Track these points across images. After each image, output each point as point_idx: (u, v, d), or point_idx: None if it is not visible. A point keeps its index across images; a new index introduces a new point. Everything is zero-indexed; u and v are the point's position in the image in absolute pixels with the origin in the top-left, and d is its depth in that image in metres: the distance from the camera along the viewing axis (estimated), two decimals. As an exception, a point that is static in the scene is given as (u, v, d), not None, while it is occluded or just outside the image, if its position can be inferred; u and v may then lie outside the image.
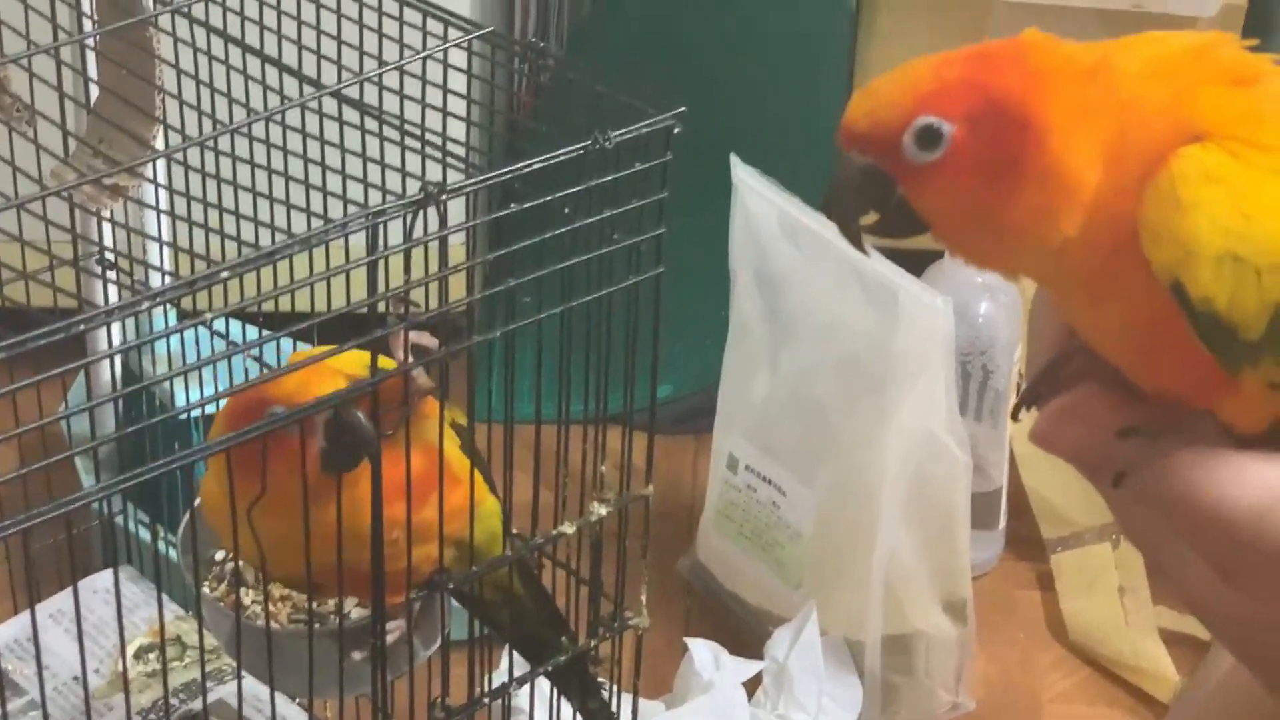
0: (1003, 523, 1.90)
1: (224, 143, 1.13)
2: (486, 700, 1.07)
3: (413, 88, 1.08)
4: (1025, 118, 0.58)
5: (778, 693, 1.62)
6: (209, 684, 1.35)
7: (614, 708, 1.15)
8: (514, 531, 1.08)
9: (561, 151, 0.95)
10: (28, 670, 1.42)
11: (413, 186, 0.90)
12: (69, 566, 0.97)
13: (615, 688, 1.15)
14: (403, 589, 0.99)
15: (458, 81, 1.09)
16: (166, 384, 1.41)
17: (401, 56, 1.08)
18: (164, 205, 1.24)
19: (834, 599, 1.66)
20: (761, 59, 2.04)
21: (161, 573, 1.13)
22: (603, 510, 1.07)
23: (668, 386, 1.98)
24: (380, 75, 1.06)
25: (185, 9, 1.14)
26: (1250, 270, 0.56)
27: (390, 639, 1.02)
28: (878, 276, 1.59)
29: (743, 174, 1.71)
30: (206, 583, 1.16)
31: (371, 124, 1.08)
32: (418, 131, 1.05)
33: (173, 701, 1.36)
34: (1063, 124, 0.58)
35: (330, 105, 1.09)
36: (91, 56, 1.24)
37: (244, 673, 1.05)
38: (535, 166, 0.93)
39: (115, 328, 1.35)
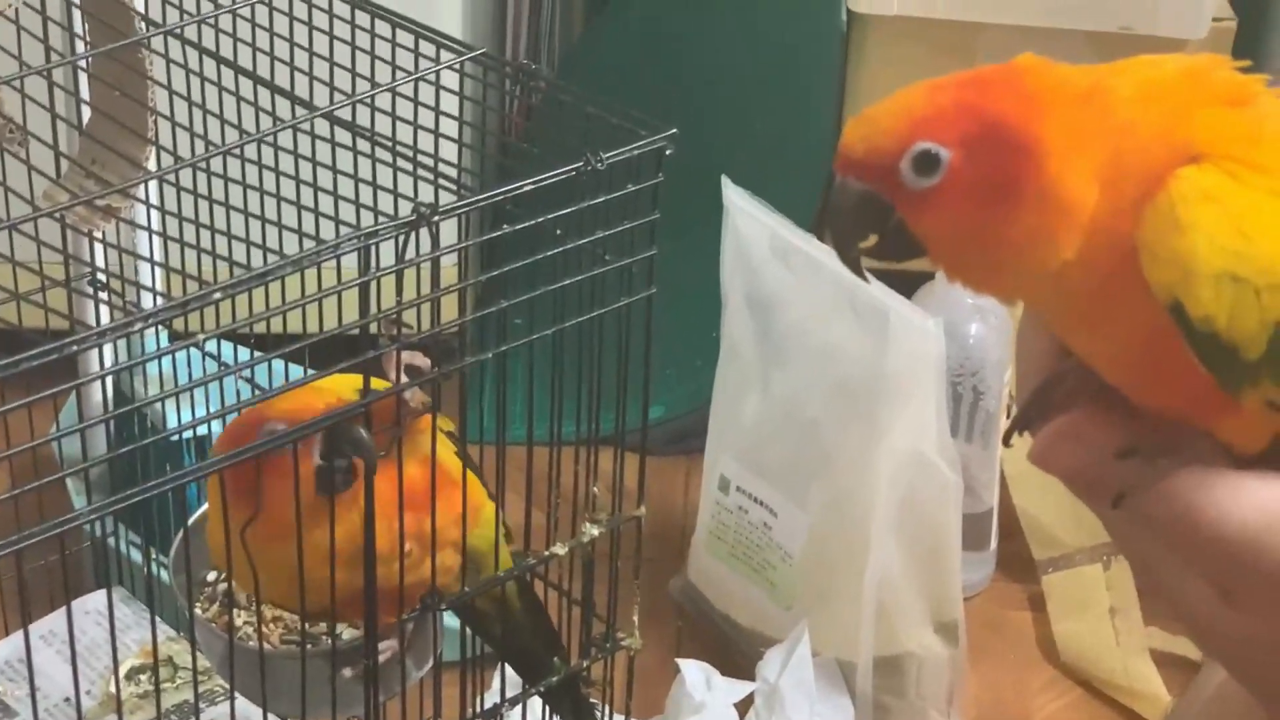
0: (994, 544, 1.89)
1: (216, 164, 1.13)
2: (479, 721, 1.07)
3: (405, 109, 1.08)
4: (1022, 142, 0.58)
5: (769, 714, 1.61)
6: (201, 705, 1.34)
7: (606, 729, 1.15)
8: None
9: (553, 173, 0.95)
10: (20, 691, 1.42)
11: (405, 208, 0.90)
12: (61, 587, 0.97)
13: (607, 708, 1.14)
14: (405, 606, 0.99)
15: (449, 103, 1.09)
16: (158, 405, 1.41)
17: (394, 78, 1.08)
18: (156, 226, 1.24)
19: (825, 620, 1.66)
20: (752, 81, 2.05)
21: (154, 594, 1.12)
22: (595, 531, 1.07)
23: (659, 408, 1.98)
24: (372, 97, 1.07)
25: (178, 31, 1.14)
26: (1249, 290, 0.57)
27: (382, 658, 1.02)
28: (869, 298, 1.59)
29: (734, 196, 1.71)
30: (199, 604, 1.16)
31: (364, 145, 1.08)
32: (410, 153, 1.05)
33: (164, 723, 1.36)
34: (1059, 147, 0.58)
35: (322, 127, 1.09)
36: (84, 78, 1.24)
37: (236, 694, 1.04)
38: (527, 188, 0.94)
39: (107, 349, 1.35)
